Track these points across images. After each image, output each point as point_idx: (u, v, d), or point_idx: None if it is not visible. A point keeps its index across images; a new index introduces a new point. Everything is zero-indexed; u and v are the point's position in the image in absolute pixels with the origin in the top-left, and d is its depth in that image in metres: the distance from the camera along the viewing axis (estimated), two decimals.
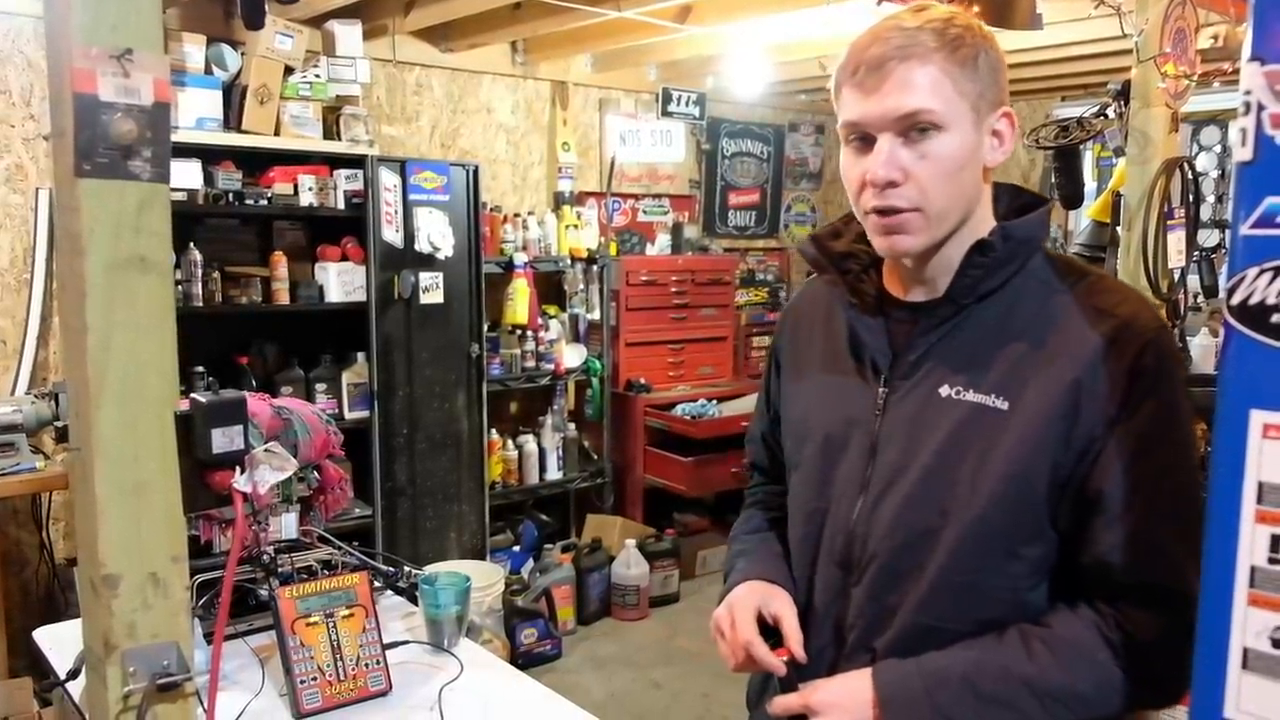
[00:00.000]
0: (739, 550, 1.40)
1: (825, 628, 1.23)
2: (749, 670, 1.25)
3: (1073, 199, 2.77)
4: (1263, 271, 0.82)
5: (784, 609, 1.25)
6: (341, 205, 3.82)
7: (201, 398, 1.06)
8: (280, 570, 1.71)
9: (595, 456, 4.98)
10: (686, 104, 5.02)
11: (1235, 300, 0.83)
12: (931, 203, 1.09)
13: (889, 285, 1.24)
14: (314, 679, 1.58)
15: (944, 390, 1.14)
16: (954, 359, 1.15)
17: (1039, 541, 1.11)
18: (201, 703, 1.09)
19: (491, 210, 4.51)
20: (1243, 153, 0.82)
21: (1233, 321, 0.84)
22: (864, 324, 1.22)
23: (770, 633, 1.24)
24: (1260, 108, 0.80)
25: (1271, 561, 0.83)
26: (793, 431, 1.33)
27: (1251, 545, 0.84)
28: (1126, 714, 1.11)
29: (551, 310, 4.83)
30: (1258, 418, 0.83)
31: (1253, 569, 0.85)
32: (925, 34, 1.06)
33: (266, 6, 3.14)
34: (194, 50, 3.48)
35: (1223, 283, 0.86)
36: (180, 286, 3.40)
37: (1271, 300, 0.81)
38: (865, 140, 1.11)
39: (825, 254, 1.26)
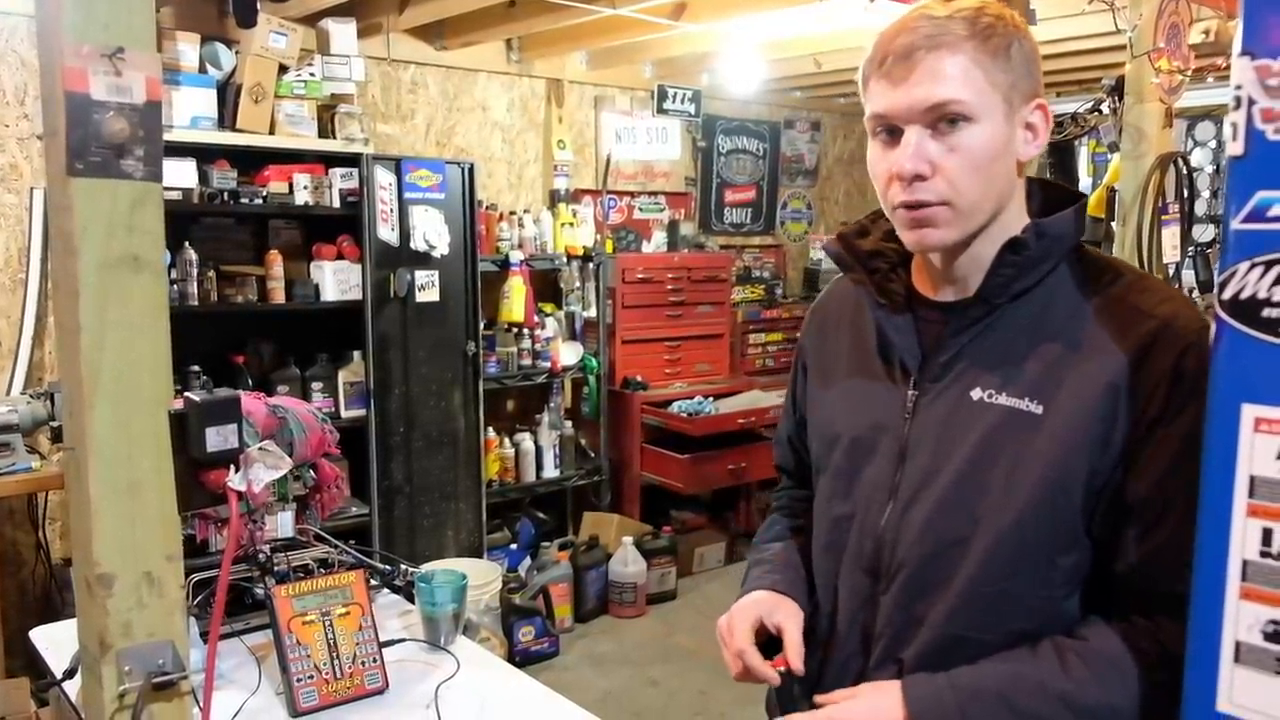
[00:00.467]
0: (756, 559, 1.38)
1: (852, 636, 1.20)
2: (748, 680, 1.23)
3: None
4: (1254, 266, 0.82)
5: (787, 621, 1.23)
6: (337, 204, 3.81)
7: (195, 396, 1.06)
8: (276, 569, 1.71)
9: (592, 454, 4.97)
10: (682, 101, 5.02)
11: (1227, 294, 0.84)
12: (961, 196, 1.06)
13: (918, 284, 1.20)
14: (310, 677, 1.58)
15: (976, 393, 1.11)
16: (986, 360, 1.11)
17: (1074, 549, 1.08)
18: (197, 701, 1.09)
19: (487, 208, 4.51)
20: (1234, 147, 0.82)
21: (1224, 316, 0.84)
22: (892, 324, 1.18)
23: (776, 644, 1.23)
24: (1251, 102, 0.80)
25: (1263, 555, 0.84)
26: (819, 435, 1.30)
27: (1243, 539, 0.85)
28: None
29: (548, 308, 4.83)
30: (1249, 412, 0.83)
31: (1244, 563, 0.85)
32: (955, 23, 1.04)
33: (259, 4, 3.14)
34: (188, 49, 3.47)
35: (1216, 277, 0.86)
36: (176, 285, 3.40)
37: (1263, 294, 0.82)
38: (893, 133, 1.08)
39: (852, 253, 1.23)
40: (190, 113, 3.45)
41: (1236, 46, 0.81)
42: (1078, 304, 1.10)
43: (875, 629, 1.17)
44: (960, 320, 1.13)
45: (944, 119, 1.04)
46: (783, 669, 1.19)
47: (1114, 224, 2.34)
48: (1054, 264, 1.11)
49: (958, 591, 1.10)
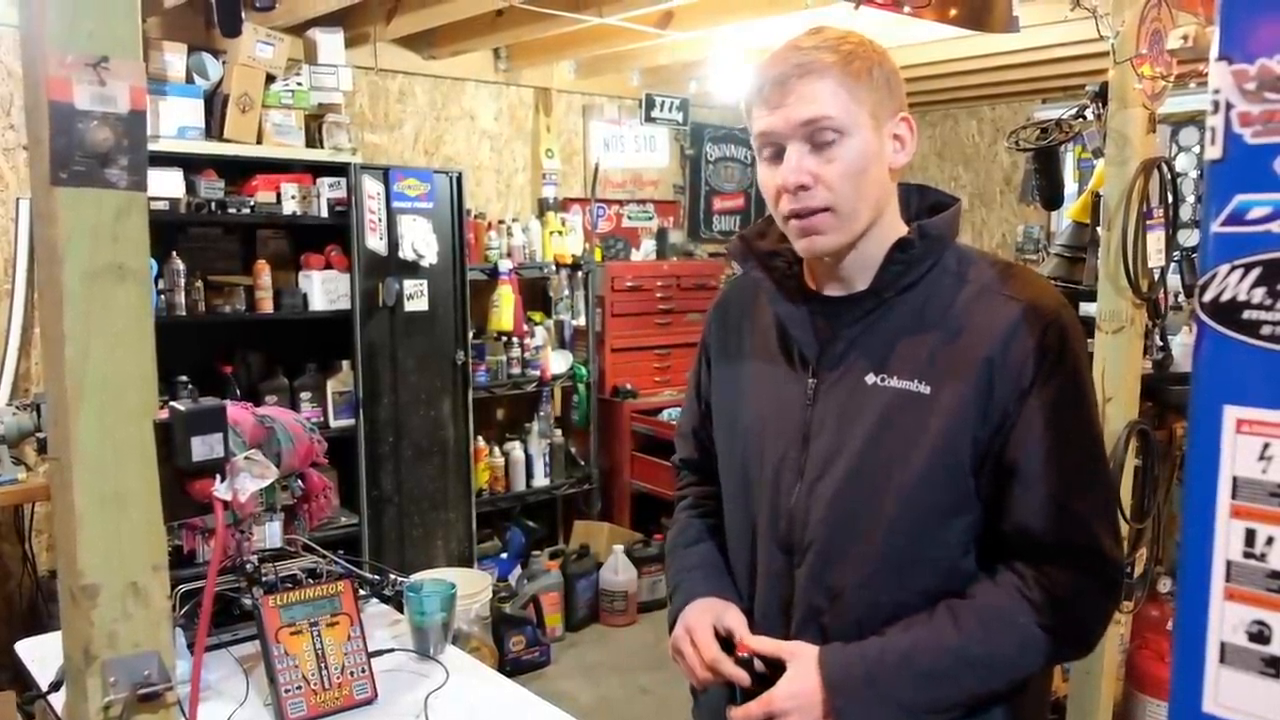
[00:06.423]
0: (683, 566, 1.44)
1: (772, 609, 1.29)
2: (712, 685, 1.30)
3: (1053, 200, 2.79)
4: (1234, 268, 0.83)
5: (735, 621, 1.30)
6: (325, 213, 3.81)
7: (180, 405, 1.06)
8: (264, 579, 1.70)
9: (582, 462, 4.97)
10: (669, 109, 5.03)
11: (1207, 297, 0.84)
12: (842, 202, 1.17)
13: (810, 281, 1.30)
14: (299, 688, 1.57)
15: (869, 379, 1.21)
16: (877, 348, 1.22)
17: (967, 511, 1.19)
18: (184, 713, 1.08)
19: (475, 217, 4.50)
20: (1213, 151, 0.83)
21: (1205, 318, 0.85)
22: (791, 318, 1.28)
23: (725, 645, 1.28)
24: (1229, 106, 0.81)
25: (1246, 556, 0.84)
26: (726, 421, 1.38)
27: (1227, 540, 0.85)
28: (1049, 667, 1.23)
29: (537, 317, 4.83)
30: (1231, 413, 0.84)
31: (1229, 564, 0.85)
32: (821, 52, 1.18)
33: (244, 14, 3.13)
34: (175, 59, 3.47)
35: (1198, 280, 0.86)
36: (163, 296, 3.39)
37: (1243, 297, 0.82)
38: (777, 153, 1.20)
39: (752, 252, 1.33)
40: (177, 123, 3.45)
41: (1214, 51, 0.82)
42: (955, 294, 1.21)
43: (793, 601, 1.26)
44: (853, 313, 1.24)
45: (819, 133, 1.16)
46: (746, 655, 1.25)
47: (1099, 229, 2.35)
48: (935, 260, 1.22)
49: (865, 559, 1.20)
